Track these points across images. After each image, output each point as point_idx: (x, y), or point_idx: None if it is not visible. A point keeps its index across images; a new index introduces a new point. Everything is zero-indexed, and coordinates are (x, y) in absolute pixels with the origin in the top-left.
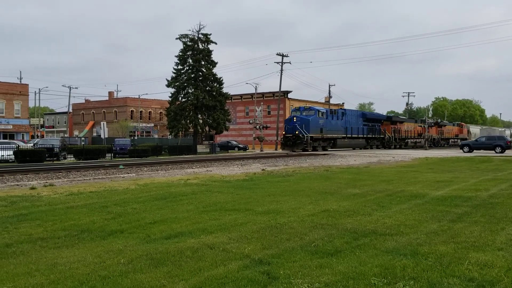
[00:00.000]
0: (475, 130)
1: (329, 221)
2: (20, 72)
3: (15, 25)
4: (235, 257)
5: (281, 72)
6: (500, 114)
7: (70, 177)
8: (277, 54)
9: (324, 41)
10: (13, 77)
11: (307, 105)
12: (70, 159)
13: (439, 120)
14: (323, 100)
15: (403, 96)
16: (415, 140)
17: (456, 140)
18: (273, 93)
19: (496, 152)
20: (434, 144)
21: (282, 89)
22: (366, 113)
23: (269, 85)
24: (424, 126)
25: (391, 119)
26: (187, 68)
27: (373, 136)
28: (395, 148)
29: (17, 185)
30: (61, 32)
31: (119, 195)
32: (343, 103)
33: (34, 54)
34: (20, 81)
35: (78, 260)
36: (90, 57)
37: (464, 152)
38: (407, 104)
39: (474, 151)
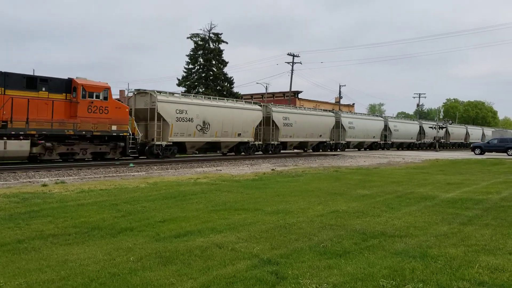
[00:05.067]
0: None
1: (338, 222)
2: (34, 70)
3: (28, 23)
4: (243, 257)
5: (292, 72)
6: None
7: (81, 174)
8: (288, 54)
9: (336, 41)
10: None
11: None
12: None
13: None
14: (333, 101)
15: (414, 97)
16: None
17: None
18: (284, 93)
19: (509, 155)
20: None
21: (292, 89)
22: None
23: (280, 85)
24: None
25: None
26: (198, 67)
27: None
28: None
29: (29, 182)
30: (73, 31)
31: (129, 193)
32: (353, 104)
33: (47, 52)
34: None
35: (88, 257)
36: (101, 55)
37: (476, 154)
38: (417, 105)
39: (486, 153)
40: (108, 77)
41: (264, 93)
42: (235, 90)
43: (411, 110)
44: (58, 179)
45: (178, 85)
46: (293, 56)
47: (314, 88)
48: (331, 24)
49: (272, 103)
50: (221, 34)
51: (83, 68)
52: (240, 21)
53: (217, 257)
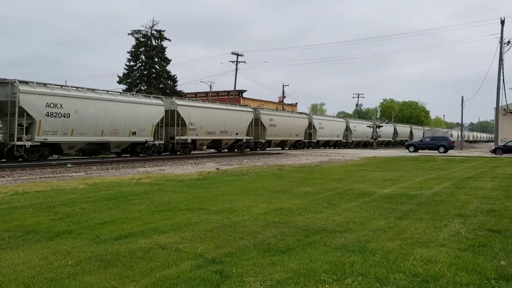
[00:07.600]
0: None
1: (282, 219)
2: None
3: None
4: (187, 257)
5: (236, 71)
6: (444, 115)
7: (14, 176)
8: (232, 53)
9: (279, 42)
10: None
11: None
12: None
13: None
14: (276, 100)
15: (353, 97)
16: None
17: None
18: (228, 92)
19: (440, 152)
20: None
21: (237, 88)
22: None
23: (225, 84)
24: None
25: None
26: (140, 64)
27: None
28: None
29: None
30: (6, 25)
31: (67, 195)
32: (296, 103)
33: None
34: None
35: (23, 262)
36: (33, 50)
37: (410, 151)
38: (356, 105)
39: (419, 151)
40: (42, 74)
41: (209, 92)
42: (178, 88)
43: (350, 110)
44: None
45: (119, 82)
46: (237, 55)
47: (259, 88)
48: (273, 25)
49: (218, 101)
50: (163, 31)
51: (17, 64)
52: (183, 18)
53: (161, 258)
